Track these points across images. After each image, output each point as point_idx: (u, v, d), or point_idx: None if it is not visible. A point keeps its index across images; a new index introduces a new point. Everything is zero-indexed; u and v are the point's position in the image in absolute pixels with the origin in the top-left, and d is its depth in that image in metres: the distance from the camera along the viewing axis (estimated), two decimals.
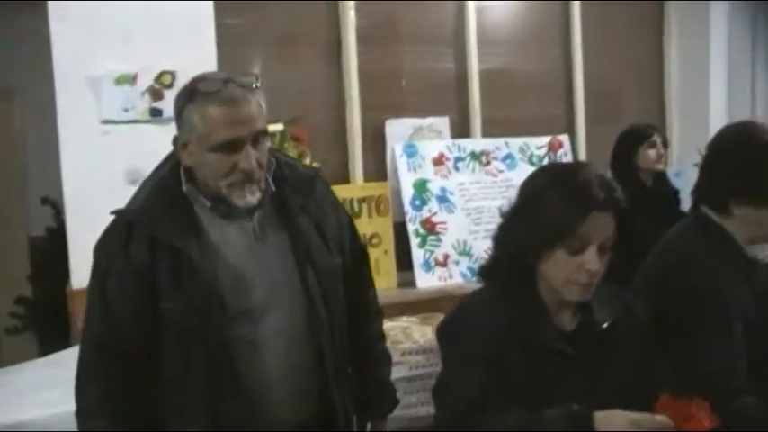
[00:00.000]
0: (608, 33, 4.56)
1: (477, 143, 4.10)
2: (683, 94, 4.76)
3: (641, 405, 1.36)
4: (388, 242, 3.81)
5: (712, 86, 4.63)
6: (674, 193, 3.32)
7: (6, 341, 5.09)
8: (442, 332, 1.59)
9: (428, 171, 3.92)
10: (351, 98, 3.85)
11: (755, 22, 4.57)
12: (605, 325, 1.54)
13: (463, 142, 4.06)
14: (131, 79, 3.18)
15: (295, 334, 1.69)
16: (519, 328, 1.47)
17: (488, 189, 4.03)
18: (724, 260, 1.72)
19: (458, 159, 4.00)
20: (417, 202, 3.87)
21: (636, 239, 3.03)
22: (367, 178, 3.90)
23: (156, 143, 3.17)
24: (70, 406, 2.20)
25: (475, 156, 4.05)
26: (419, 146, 3.93)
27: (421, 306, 3.54)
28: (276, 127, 3.25)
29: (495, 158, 4.10)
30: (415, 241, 3.82)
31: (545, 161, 4.19)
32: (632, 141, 3.19)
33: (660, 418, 1.31)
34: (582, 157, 4.41)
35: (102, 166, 3.15)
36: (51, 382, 2.54)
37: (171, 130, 3.15)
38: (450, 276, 3.85)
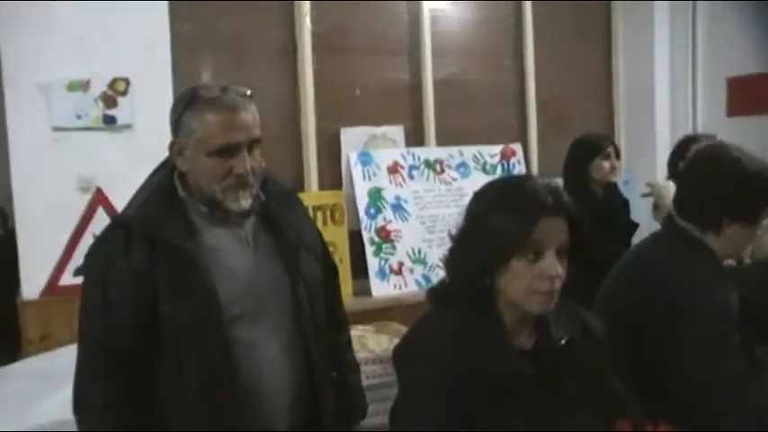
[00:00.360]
0: (559, 44, 4.64)
1: (431, 151, 4.14)
2: (630, 102, 4.90)
3: (601, 423, 1.38)
4: (343, 250, 3.82)
5: (657, 97, 4.77)
6: (625, 203, 3.39)
7: None
8: (397, 356, 1.55)
9: (383, 179, 3.95)
10: (306, 106, 3.84)
11: (695, 25, 4.74)
12: (563, 341, 1.51)
13: (417, 150, 4.09)
14: (83, 86, 3.13)
15: (287, 339, 1.76)
16: (476, 351, 1.44)
17: (442, 197, 4.07)
18: (711, 273, 1.78)
19: (412, 167, 4.04)
20: (372, 211, 3.89)
21: (586, 251, 3.12)
22: (322, 186, 3.90)
23: (110, 151, 3.21)
24: (16, 425, 2.18)
25: (429, 164, 4.09)
26: (374, 154, 3.95)
27: (376, 315, 3.55)
28: None
29: (449, 167, 4.15)
30: (369, 249, 3.84)
31: (498, 169, 4.26)
32: (586, 152, 3.21)
33: None
34: (534, 164, 4.49)
35: (53, 174, 3.11)
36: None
37: (125, 138, 3.21)
38: (405, 284, 3.88)
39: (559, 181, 3.35)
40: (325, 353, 1.86)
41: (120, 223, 1.70)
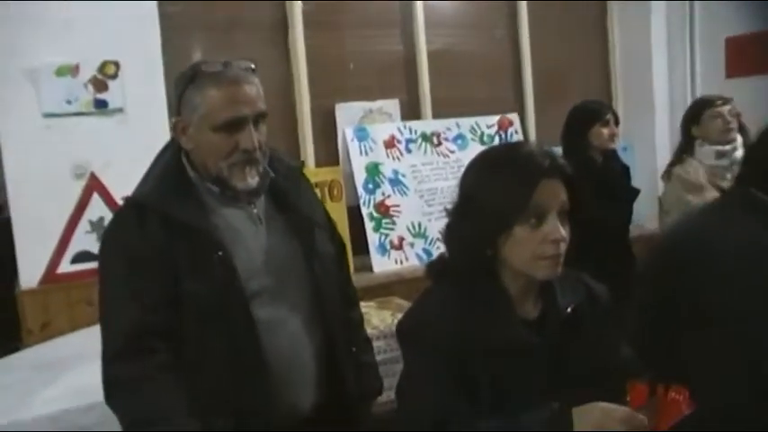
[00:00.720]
0: (554, 12, 4.57)
1: (427, 124, 4.09)
2: (627, 71, 4.82)
3: (611, 390, 1.36)
4: (343, 227, 3.76)
5: (655, 61, 4.69)
6: (626, 170, 3.36)
7: None
8: (400, 332, 1.53)
9: (380, 154, 3.91)
10: (299, 83, 3.80)
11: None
12: (569, 309, 1.50)
13: (414, 124, 4.05)
14: (72, 70, 3.08)
15: (306, 317, 1.74)
16: (481, 323, 1.42)
17: (441, 170, 4.04)
18: None
19: (409, 141, 4.00)
20: (370, 186, 3.86)
21: (588, 216, 3.09)
22: (318, 163, 3.87)
23: (103, 135, 3.17)
24: (17, 416, 2.17)
25: (426, 137, 4.05)
26: (370, 129, 3.91)
27: (378, 290, 3.54)
28: None
29: (447, 139, 4.11)
30: (369, 225, 3.82)
31: (496, 140, 4.22)
32: (585, 119, 3.18)
33: (642, 417, 1.29)
34: (532, 134, 4.44)
35: (46, 162, 3.06)
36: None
37: (117, 122, 3.16)
38: (407, 259, 3.86)
39: (558, 149, 3.33)
40: (344, 329, 1.85)
41: (134, 204, 1.66)
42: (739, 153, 3.10)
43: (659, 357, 1.66)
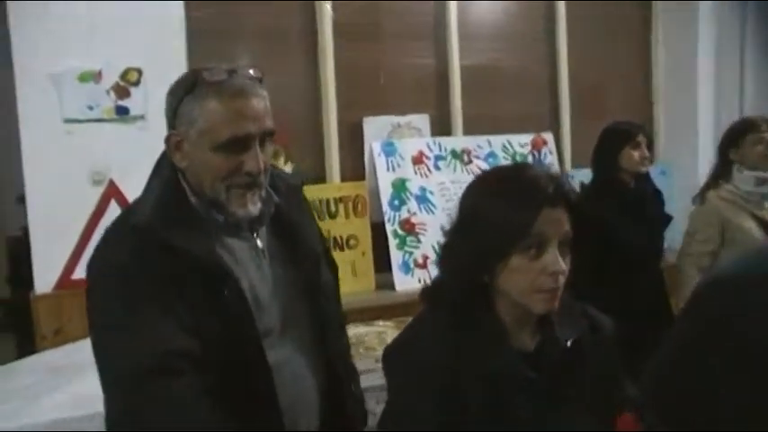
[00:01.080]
0: (594, 27, 4.43)
1: (458, 141, 3.99)
2: (670, 90, 4.63)
3: (608, 429, 1.26)
4: (366, 243, 3.71)
5: (700, 81, 4.50)
6: (657, 194, 3.21)
7: None
8: (387, 361, 1.44)
9: (407, 170, 3.82)
10: (327, 95, 3.73)
11: (744, 18, 4.46)
12: (569, 343, 1.41)
13: (444, 140, 3.95)
14: (95, 76, 3.07)
15: (309, 355, 1.61)
16: (473, 354, 1.34)
17: None
18: None
19: (438, 158, 3.90)
20: (396, 202, 3.77)
21: (615, 241, 2.96)
22: (344, 178, 3.79)
23: (122, 142, 3.14)
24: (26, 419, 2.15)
25: (456, 154, 3.95)
26: (398, 144, 3.82)
27: (399, 309, 3.44)
28: None
29: (477, 157, 4.00)
30: (393, 242, 3.73)
31: (529, 159, 4.09)
32: (615, 141, 3.05)
33: None
34: (567, 154, 4.31)
35: (65, 167, 3.06)
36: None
37: (137, 129, 3.13)
38: (431, 278, 3.71)
39: (589, 172, 3.21)
40: (341, 361, 1.73)
41: (134, 230, 1.41)
42: None
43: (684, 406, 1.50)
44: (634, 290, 2.93)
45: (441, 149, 3.91)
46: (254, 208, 1.49)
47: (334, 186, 3.73)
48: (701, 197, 3.15)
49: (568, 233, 1.33)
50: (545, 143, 4.17)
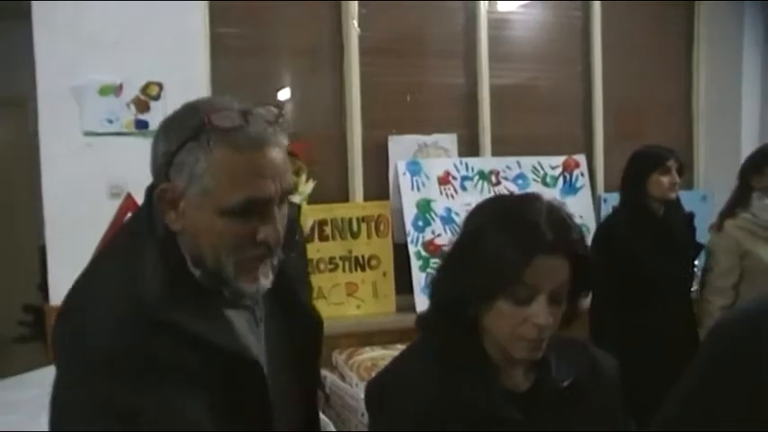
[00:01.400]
0: (631, 45, 4.31)
1: (486, 162, 3.89)
2: (712, 111, 4.46)
3: None
4: (388, 264, 3.65)
5: (744, 102, 4.34)
6: (689, 220, 3.07)
7: (15, 349, 5.07)
8: (370, 395, 1.36)
9: (433, 190, 3.73)
10: (352, 112, 3.68)
11: None
12: (566, 383, 1.31)
13: (471, 161, 3.85)
14: (116, 90, 3.08)
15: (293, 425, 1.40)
16: (458, 393, 1.26)
17: None
18: None
19: (465, 178, 3.80)
20: (420, 223, 3.68)
21: (643, 271, 2.84)
22: (367, 197, 3.72)
23: (141, 156, 3.09)
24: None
25: (484, 175, 3.85)
26: (423, 163, 3.74)
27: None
28: None
29: (506, 178, 3.89)
30: (416, 264, 3.64)
31: (560, 182, 3.98)
32: (644, 166, 2.94)
33: None
34: (600, 177, 4.17)
35: (83, 179, 3.06)
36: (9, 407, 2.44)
37: None
38: None
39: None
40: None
41: (140, 309, 1.15)
42: None
43: None
44: (663, 319, 2.85)
45: (468, 170, 3.82)
46: (267, 281, 1.23)
47: (357, 205, 3.67)
48: (718, 225, 3.05)
49: (564, 284, 1.23)
50: (577, 165, 4.04)
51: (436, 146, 3.83)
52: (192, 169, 1.15)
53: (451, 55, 3.92)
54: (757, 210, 2.95)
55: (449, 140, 3.86)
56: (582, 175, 4.03)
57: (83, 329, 1.15)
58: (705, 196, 4.20)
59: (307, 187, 3.44)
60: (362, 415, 2.83)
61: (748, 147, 4.26)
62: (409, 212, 3.67)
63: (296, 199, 3.08)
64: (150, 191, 1.22)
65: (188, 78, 3.17)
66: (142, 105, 3.10)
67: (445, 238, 3.68)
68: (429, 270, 3.64)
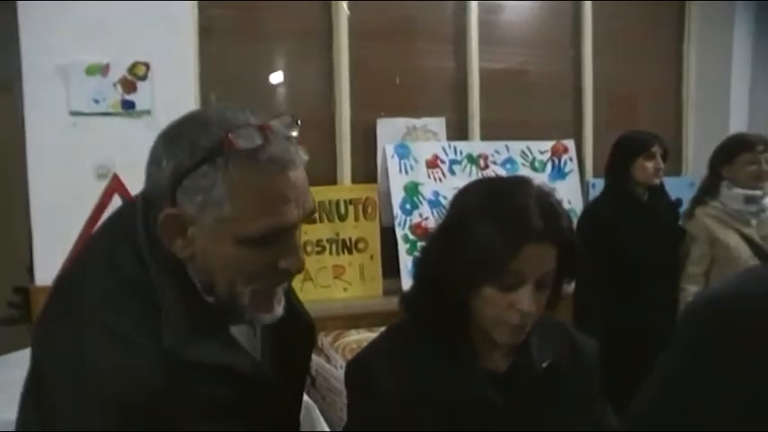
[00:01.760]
0: (622, 31, 4.30)
1: (474, 146, 3.89)
2: (701, 99, 4.47)
3: None
4: (375, 247, 3.65)
5: (734, 89, 4.34)
6: (673, 207, 3.08)
7: (1, 331, 5.04)
8: (349, 376, 1.35)
9: (421, 173, 3.73)
10: (341, 94, 3.67)
11: None
12: (545, 365, 1.32)
13: (460, 144, 3.85)
14: (102, 69, 3.05)
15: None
16: (437, 373, 1.26)
17: None
18: None
19: (453, 162, 3.80)
20: (408, 206, 3.68)
21: (627, 255, 2.85)
22: (355, 179, 3.72)
23: (128, 137, 3.11)
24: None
25: (472, 159, 3.84)
26: (412, 147, 3.74)
27: None
28: None
29: (495, 162, 3.89)
30: (403, 247, 3.64)
31: (548, 166, 3.98)
32: (629, 151, 2.95)
33: None
34: (588, 162, 4.18)
35: (69, 160, 3.05)
36: None
37: (144, 124, 3.10)
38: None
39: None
40: None
41: (158, 347, 1.04)
42: None
43: None
44: (646, 303, 2.87)
45: (456, 153, 3.82)
46: (281, 308, 1.15)
47: (344, 188, 3.67)
48: (689, 214, 3.06)
49: (551, 272, 1.23)
50: (566, 150, 4.04)
51: (425, 129, 3.82)
52: (207, 195, 1.03)
53: (441, 39, 3.90)
54: (725, 199, 2.97)
55: (437, 124, 3.85)
56: (570, 160, 4.03)
57: (97, 372, 1.02)
58: (693, 183, 4.19)
59: None
60: None
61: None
62: (397, 195, 3.67)
63: None
64: (146, 202, 1.11)
65: (175, 59, 3.16)
66: (129, 85, 3.08)
67: (433, 222, 3.68)
68: (416, 253, 3.64)
